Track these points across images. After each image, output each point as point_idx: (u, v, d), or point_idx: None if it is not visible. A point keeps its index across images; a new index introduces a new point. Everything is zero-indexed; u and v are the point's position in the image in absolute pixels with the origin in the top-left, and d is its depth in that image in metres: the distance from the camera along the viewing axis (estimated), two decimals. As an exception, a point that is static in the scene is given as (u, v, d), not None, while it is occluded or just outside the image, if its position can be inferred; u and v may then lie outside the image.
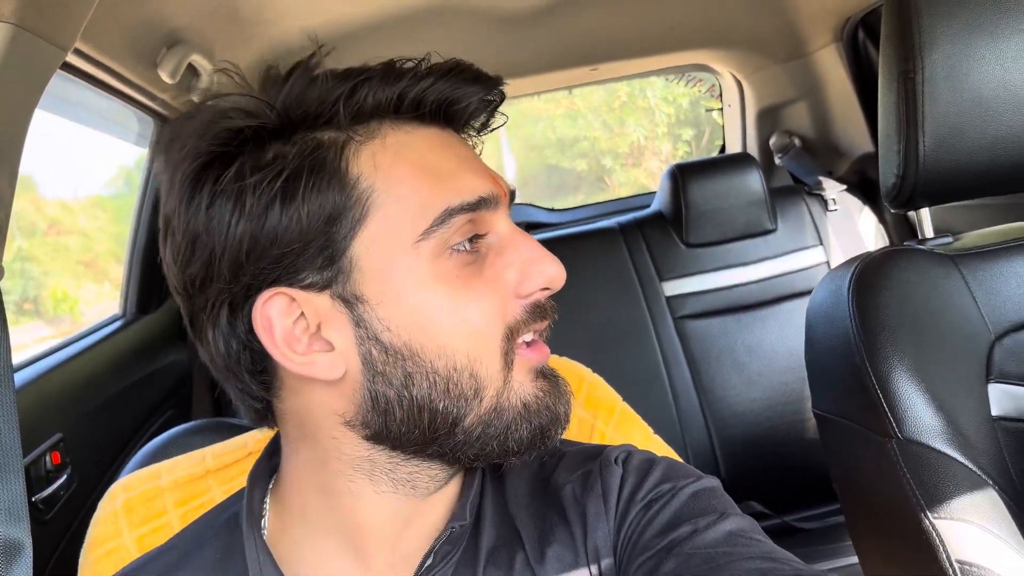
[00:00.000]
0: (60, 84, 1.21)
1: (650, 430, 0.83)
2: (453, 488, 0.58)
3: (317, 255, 0.48)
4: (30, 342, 1.93)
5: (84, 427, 1.35)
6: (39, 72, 0.75)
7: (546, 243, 1.86)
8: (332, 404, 0.51)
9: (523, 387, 0.52)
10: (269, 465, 0.61)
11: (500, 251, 0.52)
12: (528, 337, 0.54)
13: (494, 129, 0.58)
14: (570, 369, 0.85)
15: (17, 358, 1.34)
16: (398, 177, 0.49)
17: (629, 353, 1.79)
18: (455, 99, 0.52)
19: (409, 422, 0.50)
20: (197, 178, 0.48)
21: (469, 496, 0.57)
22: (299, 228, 0.47)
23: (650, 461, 0.58)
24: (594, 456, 0.60)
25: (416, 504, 0.55)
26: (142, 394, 1.61)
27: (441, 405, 0.50)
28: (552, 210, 2.71)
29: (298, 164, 0.47)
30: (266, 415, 0.56)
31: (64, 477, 1.24)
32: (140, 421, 1.59)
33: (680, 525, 0.51)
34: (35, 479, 1.18)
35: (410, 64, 0.51)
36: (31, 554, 0.52)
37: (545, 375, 0.55)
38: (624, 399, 0.85)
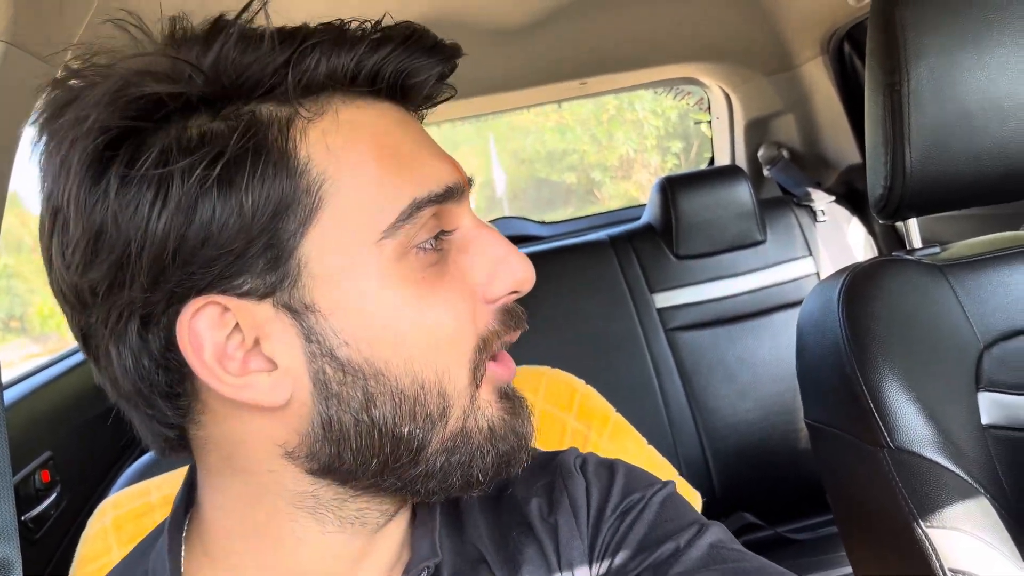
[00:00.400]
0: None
1: (644, 440, 0.83)
2: (403, 517, 0.51)
3: (259, 256, 0.40)
4: (17, 360, 1.92)
5: (74, 445, 1.34)
6: (29, 89, 0.75)
7: (537, 256, 1.87)
8: (271, 432, 0.43)
9: (489, 408, 0.46)
10: (186, 502, 0.51)
11: (464, 248, 0.46)
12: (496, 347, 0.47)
13: (437, 103, 0.49)
14: (563, 380, 0.85)
15: (5, 376, 1.33)
16: (355, 162, 0.42)
17: (621, 365, 1.79)
18: (413, 71, 0.44)
19: (367, 451, 0.43)
20: (103, 159, 0.38)
21: (432, 527, 0.51)
22: (239, 223, 0.39)
23: (609, 466, 0.56)
24: (547, 465, 0.56)
25: (365, 541, 0.48)
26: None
27: (406, 429, 0.43)
28: (542, 223, 2.72)
29: (237, 144, 0.39)
30: (179, 444, 0.47)
31: (54, 495, 1.23)
32: (130, 438, 1.58)
33: (662, 542, 0.49)
34: (25, 498, 1.17)
35: (361, 28, 0.43)
36: (21, 574, 0.51)
37: (509, 395, 0.49)
38: (617, 410, 0.85)
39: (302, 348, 0.41)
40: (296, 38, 0.40)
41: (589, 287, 1.84)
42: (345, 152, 0.41)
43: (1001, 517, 0.77)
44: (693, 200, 1.87)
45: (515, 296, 0.48)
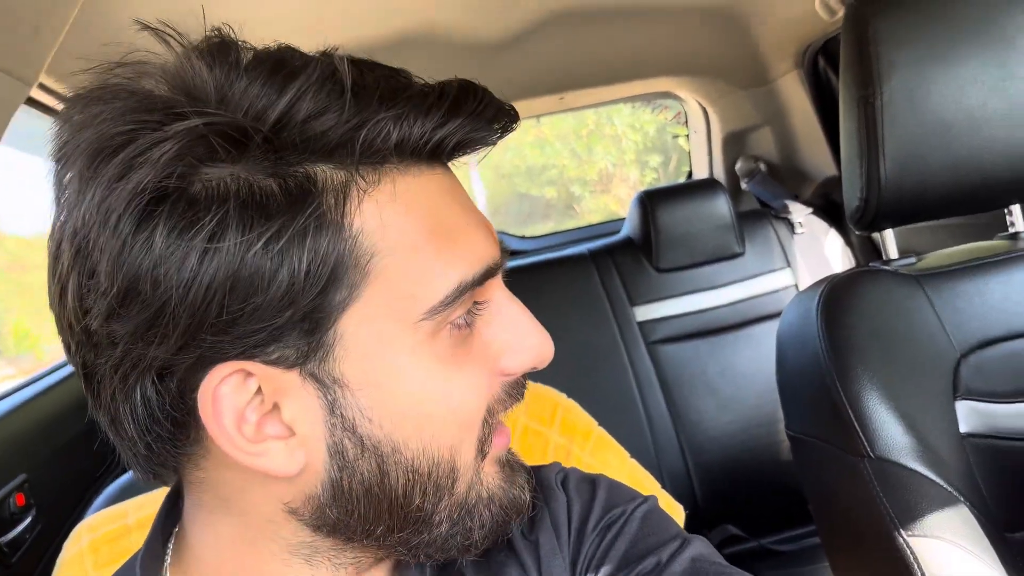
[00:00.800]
0: (23, 119, 1.20)
1: (626, 454, 0.83)
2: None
3: (296, 326, 0.38)
4: (-8, 381, 1.88)
5: (49, 467, 1.32)
6: (2, 107, 0.75)
7: (517, 271, 1.87)
8: (277, 491, 0.42)
9: (491, 479, 0.46)
10: (164, 532, 0.49)
11: (490, 321, 0.45)
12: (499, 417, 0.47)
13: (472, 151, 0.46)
14: (545, 395, 0.85)
15: (-22, 398, 1.31)
16: (407, 238, 0.39)
17: (603, 378, 1.79)
18: (475, 141, 0.42)
19: (375, 519, 0.42)
20: (149, 212, 0.35)
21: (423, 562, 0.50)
22: (288, 294, 0.36)
23: (591, 481, 0.56)
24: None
25: None
26: (108, 432, 1.57)
27: (416, 503, 0.42)
28: (523, 238, 2.72)
29: (295, 209, 0.36)
30: (168, 476, 0.45)
31: (29, 519, 1.21)
32: (106, 460, 1.56)
33: (644, 556, 0.49)
34: (-2, 522, 1.14)
35: (429, 91, 0.39)
36: None
37: (510, 463, 0.49)
38: (599, 424, 0.85)
39: (323, 420, 0.40)
40: (370, 98, 0.37)
41: (570, 301, 1.85)
42: (398, 227, 0.39)
43: (981, 524, 0.78)
44: (672, 213, 1.88)
45: (531, 371, 0.47)
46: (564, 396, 0.87)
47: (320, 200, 0.37)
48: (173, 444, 0.41)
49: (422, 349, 0.40)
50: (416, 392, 0.40)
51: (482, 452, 0.45)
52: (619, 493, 0.55)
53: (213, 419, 0.38)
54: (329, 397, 0.39)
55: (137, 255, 0.35)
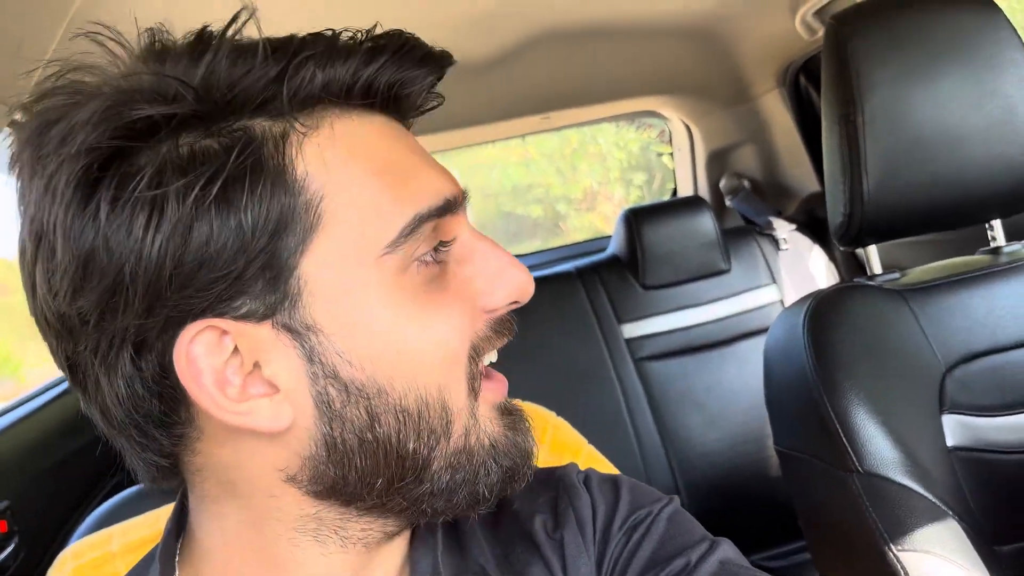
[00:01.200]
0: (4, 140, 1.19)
1: (616, 471, 0.83)
2: (405, 535, 0.50)
3: (257, 277, 0.39)
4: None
5: (32, 493, 1.30)
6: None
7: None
8: (271, 457, 0.42)
9: (490, 423, 0.46)
10: (175, 530, 0.49)
11: (463, 259, 0.46)
12: (491, 358, 0.48)
13: (425, 112, 0.48)
14: (535, 413, 0.85)
15: (-41, 423, 1.29)
16: (354, 176, 0.41)
17: (591, 396, 1.79)
18: (407, 81, 0.43)
19: (372, 471, 0.42)
20: (93, 180, 0.37)
21: (434, 544, 0.50)
22: (238, 244, 0.37)
23: (612, 481, 0.56)
24: (549, 480, 0.55)
25: (366, 559, 0.47)
26: (92, 456, 1.56)
27: (411, 446, 0.42)
28: (509, 256, 2.72)
29: (233, 163, 0.37)
30: (171, 472, 0.45)
31: (12, 546, 1.19)
32: (90, 485, 1.54)
33: (672, 558, 0.49)
34: (-20, 550, 1.13)
35: (353, 38, 0.42)
36: None
37: (509, 410, 0.49)
38: (589, 442, 0.84)
39: (304, 369, 0.40)
40: (288, 50, 0.39)
41: (558, 319, 1.85)
42: (344, 167, 0.40)
43: (970, 538, 0.78)
44: (658, 231, 1.89)
45: (514, 306, 0.47)
46: (554, 414, 0.86)
47: (260, 150, 0.38)
48: (164, 426, 0.41)
49: (391, 286, 0.41)
50: (390, 330, 0.41)
51: (473, 391, 0.44)
52: (643, 493, 0.55)
53: (192, 380, 0.39)
54: (306, 346, 0.40)
55: (87, 224, 0.37)
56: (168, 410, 0.41)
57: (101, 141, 0.36)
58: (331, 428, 0.41)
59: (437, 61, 0.44)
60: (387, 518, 0.46)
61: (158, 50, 0.40)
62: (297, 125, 0.40)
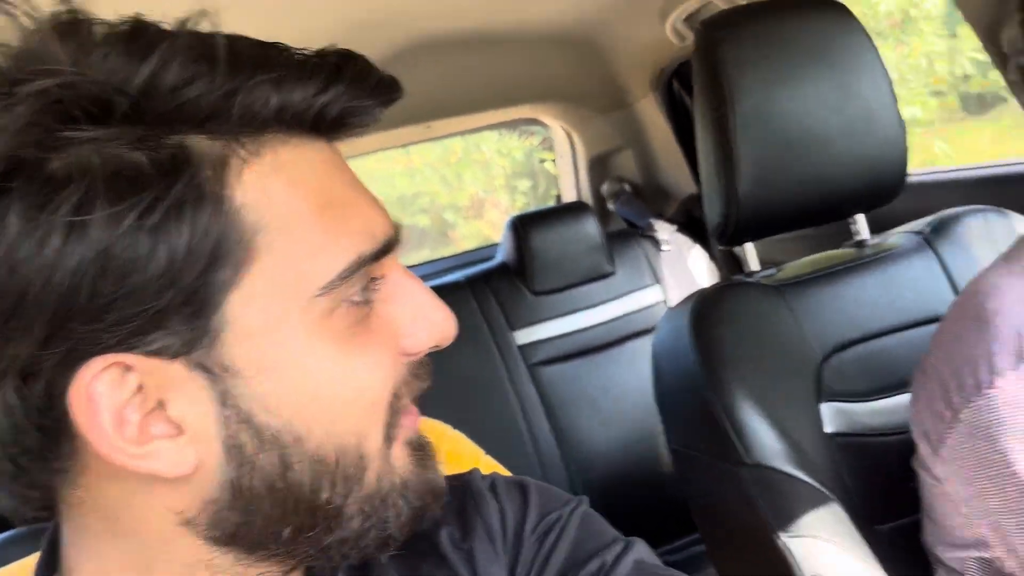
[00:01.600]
0: None
1: (514, 482, 0.82)
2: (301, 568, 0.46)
3: (178, 311, 0.34)
4: None
5: None
6: None
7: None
8: (166, 499, 0.37)
9: (402, 464, 0.42)
10: (46, 570, 0.44)
11: (388, 298, 0.42)
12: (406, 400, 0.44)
13: (356, 134, 0.44)
14: (430, 427, 0.83)
15: None
16: (293, 212, 0.36)
17: (486, 405, 1.78)
18: (357, 111, 0.40)
19: (280, 519, 0.38)
20: (7, 175, 0.32)
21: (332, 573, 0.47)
22: (166, 277, 0.33)
23: (519, 484, 0.54)
24: (453, 488, 0.52)
25: None
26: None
27: (324, 496, 0.38)
28: (398, 267, 2.68)
29: (168, 184, 0.33)
30: (44, 506, 0.39)
31: None
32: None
33: (587, 560, 0.48)
34: None
35: (307, 57, 0.37)
36: None
37: (420, 445, 0.45)
38: (486, 451, 0.84)
39: (215, 413, 0.36)
40: (244, 64, 0.35)
41: (449, 330, 1.83)
42: (284, 200, 0.36)
43: (851, 519, 0.82)
44: (544, 237, 1.90)
45: (435, 349, 0.44)
46: (449, 428, 0.85)
47: (196, 172, 0.34)
48: (43, 459, 0.36)
49: (317, 329, 0.37)
50: (314, 375, 0.37)
51: (389, 437, 0.41)
52: (552, 496, 0.54)
53: (88, 418, 0.34)
54: (220, 388, 0.36)
55: None
56: (50, 443, 0.36)
57: (20, 152, 0.31)
58: (239, 473, 0.37)
59: (389, 91, 0.41)
60: (288, 565, 0.42)
61: (84, 33, 0.34)
62: (240, 150, 0.36)
